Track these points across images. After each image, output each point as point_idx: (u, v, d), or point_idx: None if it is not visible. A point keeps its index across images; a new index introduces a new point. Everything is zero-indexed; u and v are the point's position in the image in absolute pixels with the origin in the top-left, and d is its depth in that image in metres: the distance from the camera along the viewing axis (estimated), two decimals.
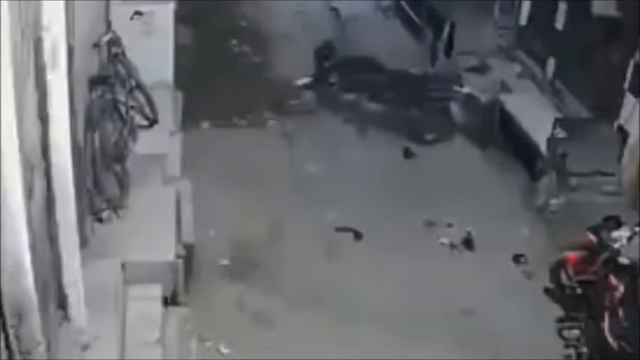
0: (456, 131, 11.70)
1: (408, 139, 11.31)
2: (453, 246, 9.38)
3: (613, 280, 7.61)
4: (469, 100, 11.98)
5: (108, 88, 7.65)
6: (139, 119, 8.33)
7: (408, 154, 11.14)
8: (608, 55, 10.12)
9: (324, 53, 12.59)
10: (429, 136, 11.47)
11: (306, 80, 12.40)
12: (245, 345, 7.67)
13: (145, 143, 8.26)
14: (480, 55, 12.62)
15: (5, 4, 4.10)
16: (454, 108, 12.00)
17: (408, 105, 11.89)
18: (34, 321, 4.73)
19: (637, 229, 7.66)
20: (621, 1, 9.90)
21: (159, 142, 8.64)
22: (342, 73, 12.28)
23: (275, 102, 11.98)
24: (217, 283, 8.44)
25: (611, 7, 10.00)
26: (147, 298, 6.94)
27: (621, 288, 7.52)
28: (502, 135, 11.27)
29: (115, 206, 7.70)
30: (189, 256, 7.83)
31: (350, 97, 12.15)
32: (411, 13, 14.56)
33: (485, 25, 12.82)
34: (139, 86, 8.24)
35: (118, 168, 7.89)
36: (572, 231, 8.51)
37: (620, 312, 7.49)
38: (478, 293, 8.50)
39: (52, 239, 5.59)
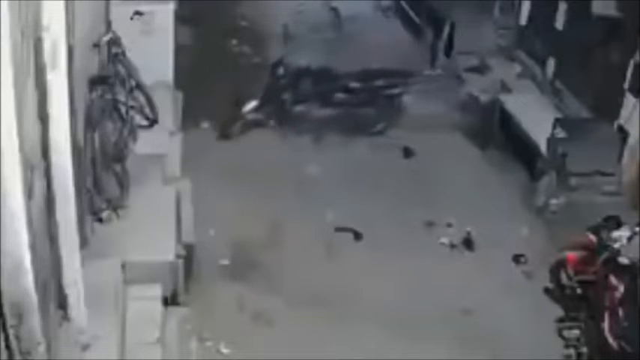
0: (406, 118, 11.70)
1: (358, 134, 11.33)
2: (453, 246, 9.38)
3: (613, 280, 7.61)
4: (469, 100, 12.01)
5: (108, 88, 7.65)
6: (139, 119, 8.33)
7: (407, 153, 11.14)
8: (608, 55, 10.12)
9: (280, 73, 12.01)
10: (378, 127, 11.54)
11: (253, 104, 11.63)
12: (245, 345, 7.68)
13: (145, 143, 8.26)
14: (480, 55, 12.62)
15: (5, 4, 4.10)
16: (407, 99, 11.94)
17: (359, 103, 11.84)
18: (34, 321, 4.73)
19: (637, 229, 7.67)
20: (621, 1, 9.90)
21: (159, 142, 8.64)
22: (295, 89, 11.84)
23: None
24: (217, 283, 8.44)
25: (611, 7, 10.00)
26: (147, 298, 6.94)
27: (621, 288, 7.53)
28: (502, 135, 11.27)
29: (115, 206, 7.70)
30: (189, 256, 7.83)
31: (301, 108, 11.78)
32: (411, 13, 14.57)
33: (485, 25, 12.81)
34: (139, 86, 8.24)
35: (118, 168, 7.89)
36: (572, 231, 8.51)
37: (620, 312, 7.49)
38: (478, 293, 8.50)
39: (52, 239, 5.59)
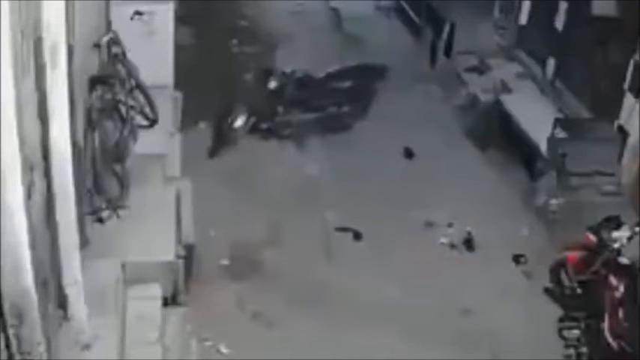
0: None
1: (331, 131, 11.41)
2: (453, 246, 9.39)
3: (613, 280, 7.61)
4: (469, 100, 12.01)
5: (108, 88, 7.64)
6: (139, 119, 8.33)
7: (408, 154, 11.14)
8: (608, 55, 10.12)
9: (272, 87, 11.60)
10: (346, 121, 11.62)
11: (242, 119, 11.21)
12: (245, 345, 7.68)
13: (145, 143, 8.25)
14: (480, 55, 12.62)
15: (5, 4, 4.10)
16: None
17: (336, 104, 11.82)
18: (34, 321, 4.73)
19: (637, 229, 7.67)
20: (621, 1, 9.90)
21: (159, 142, 8.64)
22: (286, 99, 11.59)
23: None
24: (217, 283, 8.45)
25: (611, 7, 10.00)
26: (147, 298, 6.93)
27: (621, 288, 7.53)
28: (502, 135, 11.27)
29: (115, 206, 7.69)
30: (189, 256, 7.83)
31: (291, 117, 11.60)
32: (411, 13, 14.57)
33: (485, 25, 12.82)
34: (139, 86, 8.24)
35: (118, 168, 7.88)
36: (572, 231, 8.51)
37: (620, 312, 7.49)
38: (478, 293, 8.51)
39: (52, 239, 5.59)
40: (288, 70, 11.88)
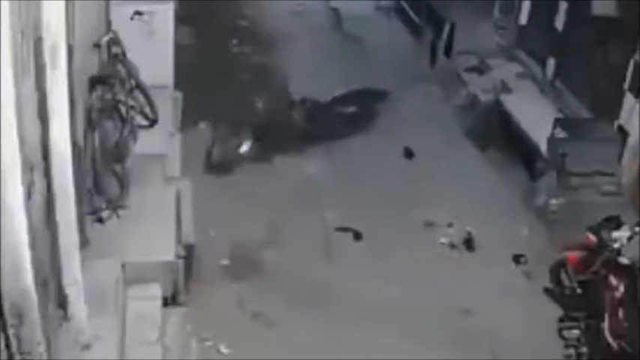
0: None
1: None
2: (453, 246, 9.39)
3: (613, 280, 7.61)
4: (469, 100, 12.01)
5: (108, 88, 7.64)
6: (139, 119, 8.33)
7: (408, 154, 11.14)
8: (608, 55, 10.12)
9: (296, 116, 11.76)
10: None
11: (248, 144, 11.12)
12: (245, 345, 7.68)
13: (145, 143, 8.25)
14: (480, 55, 12.62)
15: (5, 4, 4.10)
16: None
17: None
18: (34, 321, 4.72)
19: (637, 229, 7.66)
20: (621, 1, 9.90)
21: (159, 142, 8.64)
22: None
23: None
24: (217, 283, 8.44)
25: (611, 7, 10.00)
26: (147, 298, 6.93)
27: (621, 288, 7.53)
28: (502, 135, 11.27)
29: (115, 206, 7.69)
30: (189, 256, 7.83)
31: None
32: (411, 13, 14.57)
33: (485, 25, 12.82)
34: (139, 86, 8.23)
35: (118, 168, 7.88)
36: (572, 231, 8.51)
37: (620, 312, 7.49)
38: (478, 293, 8.51)
39: (52, 239, 5.59)
40: (295, 94, 11.92)
